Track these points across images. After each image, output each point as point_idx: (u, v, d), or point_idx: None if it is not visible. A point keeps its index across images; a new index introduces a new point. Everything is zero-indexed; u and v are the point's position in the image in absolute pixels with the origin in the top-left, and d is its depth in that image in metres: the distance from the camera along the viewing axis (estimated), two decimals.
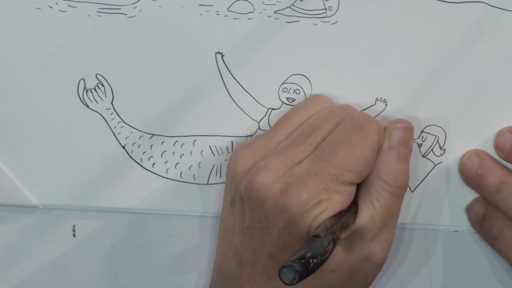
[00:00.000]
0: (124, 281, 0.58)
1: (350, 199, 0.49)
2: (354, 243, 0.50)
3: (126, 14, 0.53)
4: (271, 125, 0.54)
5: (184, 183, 0.56)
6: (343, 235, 0.49)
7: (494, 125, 0.53)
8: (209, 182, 0.56)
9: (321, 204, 0.48)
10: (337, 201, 0.48)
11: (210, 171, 0.56)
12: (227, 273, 0.51)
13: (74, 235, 0.58)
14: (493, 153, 0.53)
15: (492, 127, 0.53)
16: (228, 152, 0.55)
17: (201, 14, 0.53)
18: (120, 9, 0.53)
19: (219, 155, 0.55)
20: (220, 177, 0.56)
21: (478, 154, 0.53)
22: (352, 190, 0.49)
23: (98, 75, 0.54)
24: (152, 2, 0.53)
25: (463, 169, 0.53)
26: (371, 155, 0.50)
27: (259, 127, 0.55)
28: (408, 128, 0.51)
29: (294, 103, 0.54)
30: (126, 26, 0.53)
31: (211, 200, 0.56)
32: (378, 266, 0.51)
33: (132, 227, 0.57)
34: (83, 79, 0.55)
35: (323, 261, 0.44)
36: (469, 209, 0.54)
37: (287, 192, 0.48)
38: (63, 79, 0.55)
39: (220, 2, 0.53)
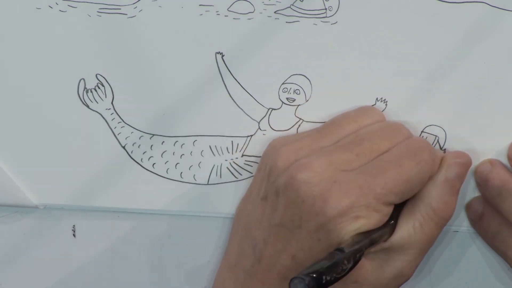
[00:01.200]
0: (124, 281, 0.58)
1: (386, 218, 0.49)
2: (385, 259, 0.50)
3: (126, 14, 0.53)
4: (271, 125, 0.54)
5: (184, 183, 0.56)
6: (373, 249, 0.49)
7: (494, 125, 0.53)
8: (209, 182, 0.56)
9: (359, 220, 0.48)
10: (374, 220, 0.48)
11: (210, 171, 0.56)
12: (241, 269, 0.51)
13: (74, 235, 0.58)
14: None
15: (492, 127, 0.53)
16: (228, 152, 0.55)
17: (201, 14, 0.53)
18: (120, 9, 0.53)
19: (219, 155, 0.55)
20: (220, 177, 0.56)
21: (491, 161, 0.53)
22: (390, 210, 0.49)
23: (98, 75, 0.54)
24: (152, 2, 0.53)
25: (476, 175, 0.54)
26: (419, 182, 0.50)
27: (259, 127, 0.55)
28: (467, 164, 0.52)
29: (294, 103, 0.54)
30: (126, 26, 0.53)
31: (211, 200, 0.56)
32: (400, 285, 0.51)
33: (132, 227, 0.57)
34: (83, 79, 0.55)
35: (337, 279, 0.43)
36: (468, 207, 0.55)
37: (328, 198, 0.47)
38: (63, 79, 0.54)
39: (220, 2, 0.53)
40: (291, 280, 0.42)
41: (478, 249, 0.56)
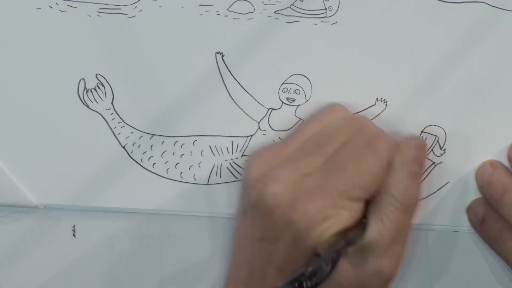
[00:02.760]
0: (124, 281, 0.58)
1: (357, 215, 0.49)
2: (363, 258, 0.50)
3: (126, 14, 0.53)
4: (271, 125, 0.55)
5: (184, 183, 0.56)
6: (351, 249, 0.49)
7: (494, 125, 0.53)
8: (209, 182, 0.56)
9: (327, 220, 0.48)
10: (344, 218, 0.48)
11: (210, 171, 0.56)
12: (240, 281, 0.51)
13: (74, 235, 0.58)
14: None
15: (492, 127, 0.53)
16: (228, 152, 0.55)
17: (201, 14, 0.53)
18: (120, 9, 0.53)
19: (219, 155, 0.55)
20: (220, 177, 0.56)
21: (492, 163, 0.53)
22: (359, 206, 0.49)
23: (98, 75, 0.54)
24: (152, 2, 0.53)
25: (477, 177, 0.54)
26: (380, 172, 0.49)
27: (259, 127, 0.55)
28: (421, 146, 0.51)
29: (294, 103, 0.54)
30: (126, 26, 0.53)
31: (211, 200, 0.56)
32: (387, 281, 0.51)
33: (132, 227, 0.57)
34: (83, 79, 0.55)
35: (318, 284, 0.44)
36: (469, 209, 0.55)
37: (294, 206, 0.48)
38: (63, 79, 0.55)
39: (220, 2, 0.53)
40: None
41: (478, 249, 0.56)
